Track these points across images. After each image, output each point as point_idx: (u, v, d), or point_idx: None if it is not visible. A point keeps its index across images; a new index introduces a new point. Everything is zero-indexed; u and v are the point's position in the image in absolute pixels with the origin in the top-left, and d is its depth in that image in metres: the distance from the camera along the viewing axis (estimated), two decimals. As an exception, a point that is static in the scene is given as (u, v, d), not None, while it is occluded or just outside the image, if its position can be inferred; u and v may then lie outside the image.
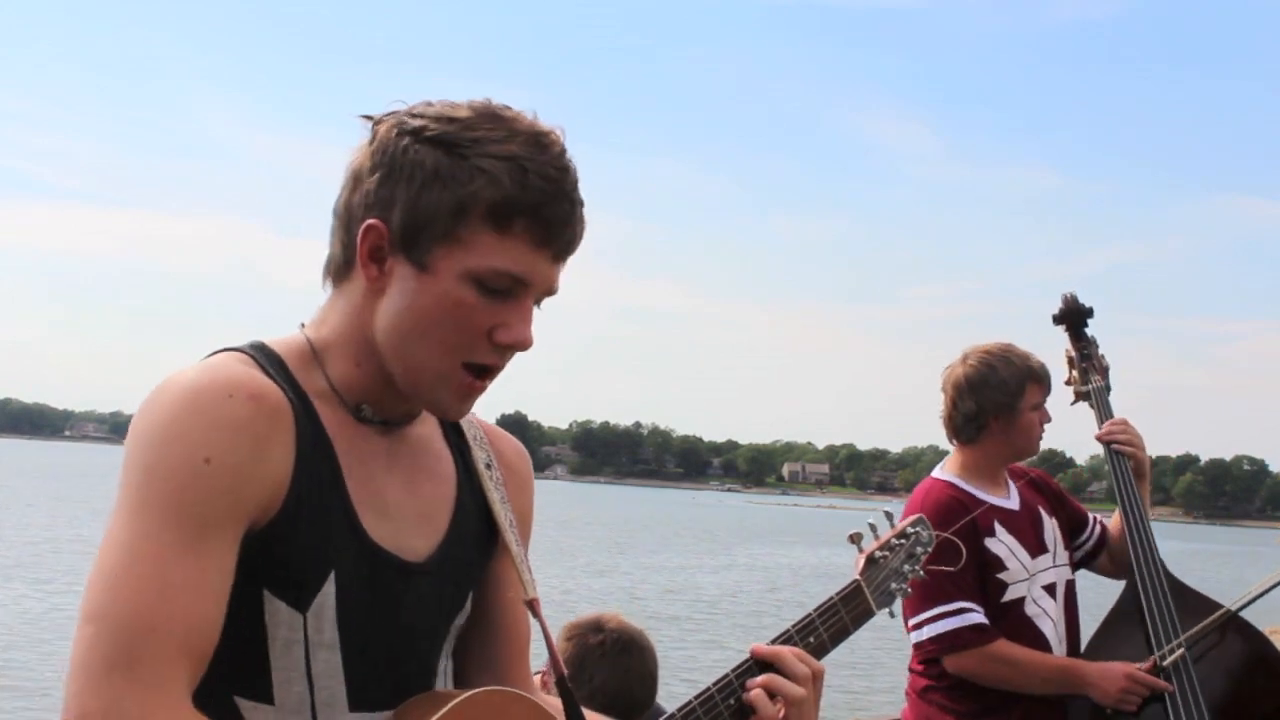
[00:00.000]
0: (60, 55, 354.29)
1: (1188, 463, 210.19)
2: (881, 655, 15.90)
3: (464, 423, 1.57)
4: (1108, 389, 3.72)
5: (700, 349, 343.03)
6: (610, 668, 2.63)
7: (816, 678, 1.66)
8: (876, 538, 1.92)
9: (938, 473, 3.57)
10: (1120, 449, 3.59)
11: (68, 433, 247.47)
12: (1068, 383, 3.75)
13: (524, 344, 1.40)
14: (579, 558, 33.26)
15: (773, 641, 1.71)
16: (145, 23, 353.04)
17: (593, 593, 23.63)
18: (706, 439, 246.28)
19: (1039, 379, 3.51)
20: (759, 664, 1.66)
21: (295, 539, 1.33)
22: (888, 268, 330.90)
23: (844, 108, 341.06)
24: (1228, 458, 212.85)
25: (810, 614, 1.76)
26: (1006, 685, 3.36)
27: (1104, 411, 3.67)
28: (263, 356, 1.40)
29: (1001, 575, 3.39)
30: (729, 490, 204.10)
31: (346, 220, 1.42)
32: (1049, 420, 3.55)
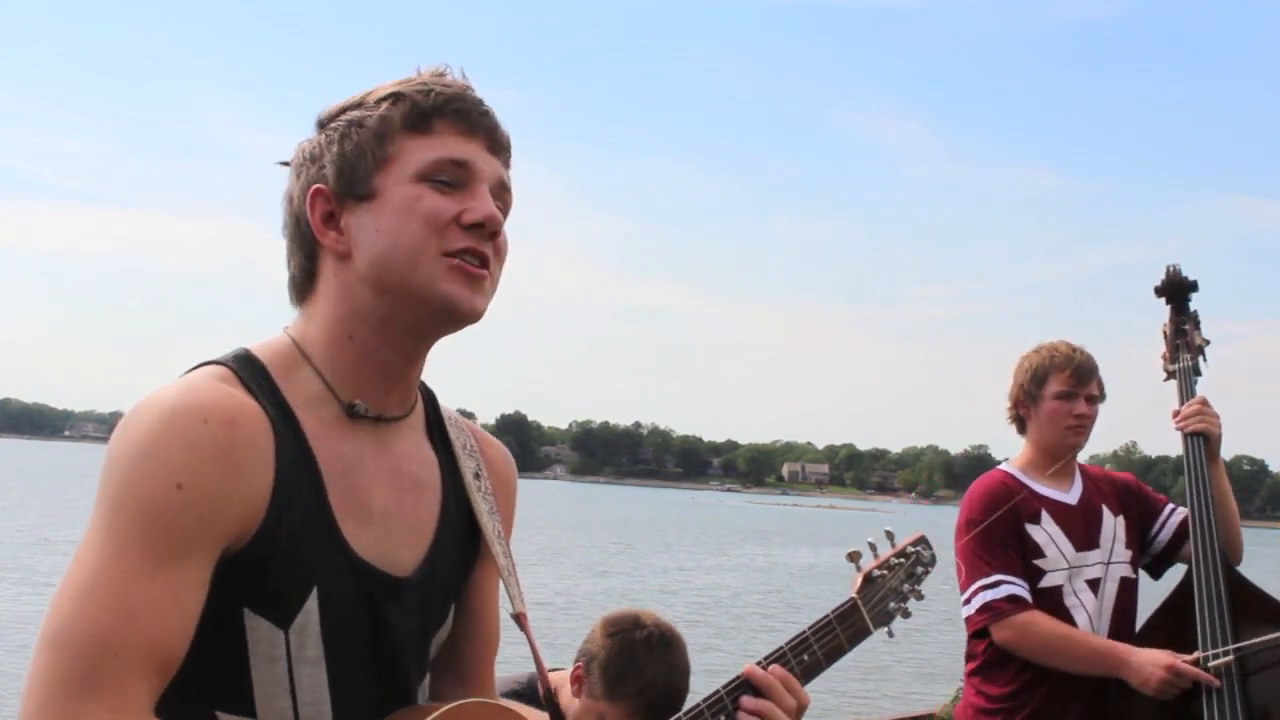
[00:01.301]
0: (60, 55, 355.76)
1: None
2: (886, 660, 15.90)
3: (453, 430, 1.56)
4: (1196, 369, 3.67)
5: (700, 349, 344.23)
6: (659, 663, 2.64)
7: (801, 709, 1.68)
8: (876, 556, 1.90)
9: (1003, 464, 3.70)
10: (1194, 429, 3.55)
11: (67, 433, 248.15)
12: (1162, 357, 3.73)
13: (493, 219, 1.41)
14: (578, 558, 33.27)
15: (766, 658, 1.71)
16: (145, 23, 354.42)
17: (591, 593, 23.61)
18: (706, 439, 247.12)
19: (1063, 367, 3.56)
20: (750, 685, 1.67)
21: (275, 558, 1.32)
22: (888, 268, 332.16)
23: (844, 108, 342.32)
24: (1228, 458, 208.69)
25: (805, 631, 1.75)
26: (1047, 658, 3.41)
27: (1187, 392, 3.62)
28: (246, 369, 1.39)
29: (1038, 561, 3.47)
30: (729, 490, 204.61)
31: (296, 228, 1.46)
32: (1082, 410, 3.55)
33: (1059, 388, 3.54)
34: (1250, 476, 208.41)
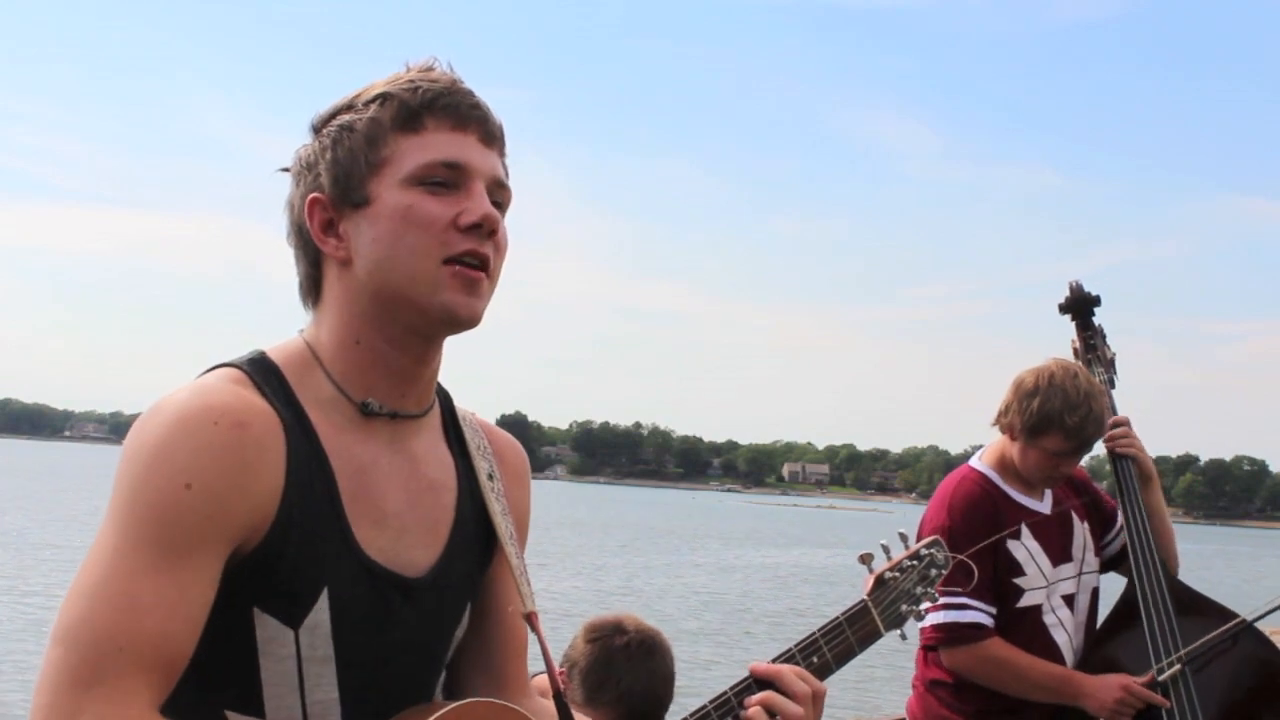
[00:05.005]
0: (60, 55, 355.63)
1: (1188, 463, 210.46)
2: (880, 666, 15.86)
3: (467, 429, 1.56)
4: (1112, 383, 3.62)
5: (700, 349, 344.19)
6: (637, 670, 2.63)
7: (817, 697, 1.64)
8: (889, 558, 1.87)
9: (975, 462, 3.47)
10: (1122, 451, 3.49)
11: (67, 433, 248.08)
12: None
13: (490, 219, 1.40)
14: (578, 559, 33.24)
15: (774, 660, 1.69)
16: (145, 23, 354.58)
17: (591, 594, 23.59)
18: (706, 439, 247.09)
19: (1068, 435, 3.28)
20: (758, 683, 1.64)
21: (286, 558, 1.33)
22: (888, 268, 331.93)
23: (844, 108, 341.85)
24: (1228, 458, 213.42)
25: (814, 633, 1.73)
26: (1002, 688, 3.30)
27: (1109, 409, 3.55)
28: (259, 371, 1.40)
29: (1018, 580, 3.32)
30: (729, 490, 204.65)
31: (298, 235, 1.46)
32: (1068, 470, 3.40)
33: (1056, 447, 3.30)
34: (1250, 476, 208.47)
